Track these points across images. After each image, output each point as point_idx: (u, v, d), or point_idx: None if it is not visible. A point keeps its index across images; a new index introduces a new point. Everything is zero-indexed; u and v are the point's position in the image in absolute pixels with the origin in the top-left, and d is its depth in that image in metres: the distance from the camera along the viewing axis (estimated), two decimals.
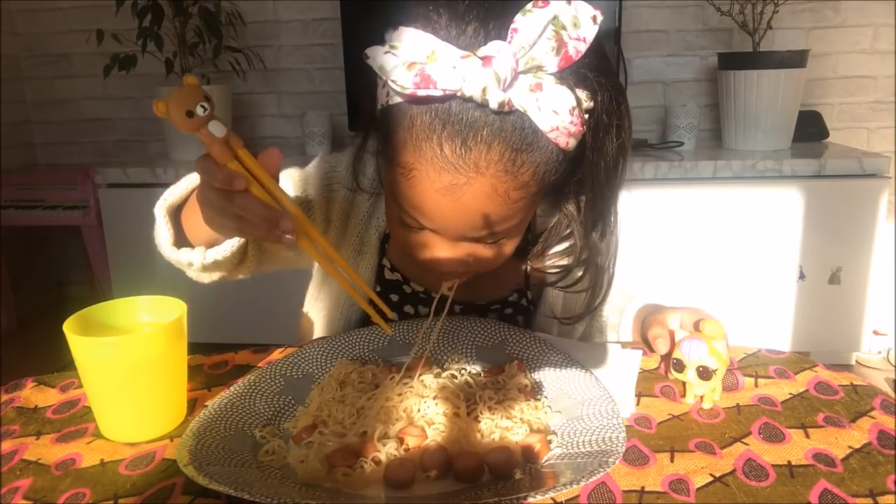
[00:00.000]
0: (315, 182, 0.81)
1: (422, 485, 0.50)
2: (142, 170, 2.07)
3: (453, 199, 0.57)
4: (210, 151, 0.49)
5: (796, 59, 1.96)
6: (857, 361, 2.10)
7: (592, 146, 0.60)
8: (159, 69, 2.15)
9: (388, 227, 0.72)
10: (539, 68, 0.54)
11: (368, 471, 0.51)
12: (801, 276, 1.94)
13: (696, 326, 0.65)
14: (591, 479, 0.45)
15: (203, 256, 0.67)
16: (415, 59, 0.53)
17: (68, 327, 0.57)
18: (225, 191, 0.50)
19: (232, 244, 0.67)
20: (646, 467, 0.51)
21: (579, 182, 0.65)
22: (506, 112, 0.54)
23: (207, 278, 0.73)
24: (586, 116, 0.58)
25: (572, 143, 0.58)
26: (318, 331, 0.89)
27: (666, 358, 0.65)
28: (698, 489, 0.49)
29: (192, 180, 0.69)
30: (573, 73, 0.56)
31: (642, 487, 0.49)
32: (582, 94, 0.56)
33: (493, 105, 0.53)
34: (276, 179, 0.52)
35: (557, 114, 0.55)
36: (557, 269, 0.77)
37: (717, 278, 1.96)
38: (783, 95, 1.96)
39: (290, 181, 0.80)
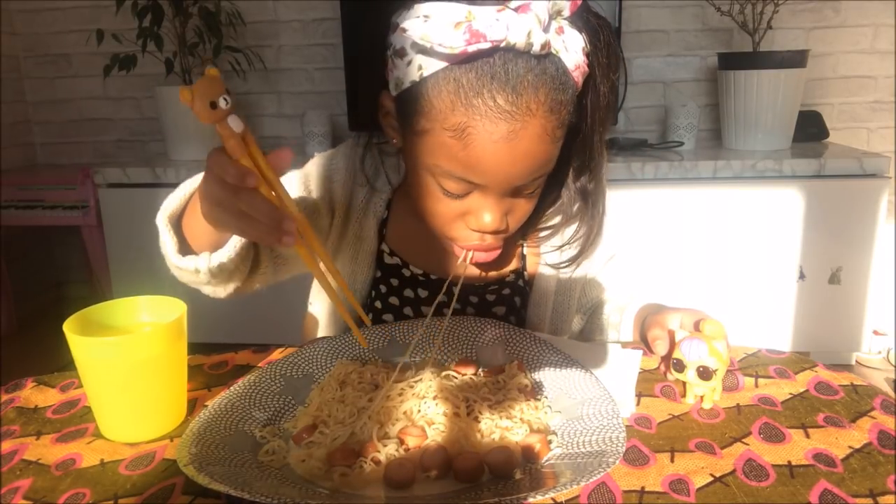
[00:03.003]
0: (315, 178, 0.83)
1: (422, 485, 0.50)
2: (142, 170, 2.07)
3: (512, 145, 0.61)
4: (226, 145, 0.49)
5: (796, 59, 1.95)
6: (857, 361, 2.10)
7: (591, 85, 0.66)
8: (159, 69, 2.16)
9: (421, 207, 0.72)
10: (559, 13, 0.60)
11: (368, 471, 0.51)
12: (801, 276, 1.94)
13: (696, 326, 0.65)
14: (591, 479, 0.45)
15: (209, 260, 0.65)
16: (458, 20, 0.57)
17: (68, 327, 0.57)
18: (233, 187, 0.50)
19: (236, 244, 0.66)
20: (646, 467, 0.51)
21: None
22: (543, 55, 0.59)
23: (223, 292, 0.72)
24: (588, 58, 0.64)
25: (580, 82, 0.64)
26: (322, 330, 0.90)
27: (666, 358, 0.65)
28: (698, 489, 0.49)
29: (189, 187, 0.68)
30: (579, 17, 0.62)
31: (642, 487, 0.49)
32: (584, 36, 0.63)
33: (537, 47, 0.58)
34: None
35: (577, 54, 0.62)
36: (548, 228, 0.80)
37: (718, 278, 1.96)
38: (783, 95, 1.96)
39: (291, 183, 0.81)
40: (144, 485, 0.51)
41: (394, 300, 0.83)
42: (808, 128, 2.15)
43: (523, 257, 0.84)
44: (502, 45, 0.57)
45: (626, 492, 0.48)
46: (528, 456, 0.52)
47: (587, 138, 0.70)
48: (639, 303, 0.83)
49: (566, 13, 0.60)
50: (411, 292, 0.83)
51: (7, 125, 2.46)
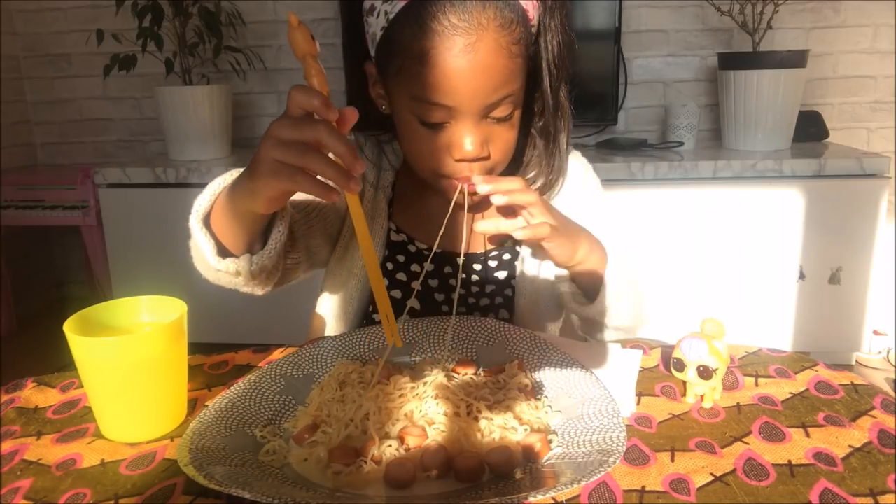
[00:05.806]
0: None
1: (422, 485, 0.50)
2: (142, 170, 2.07)
3: (471, 58, 0.66)
4: (314, 80, 0.54)
5: (796, 59, 1.96)
6: (857, 361, 2.10)
7: (543, 25, 0.73)
8: (159, 69, 2.15)
9: (412, 155, 0.77)
10: None
11: (368, 471, 0.51)
12: (801, 276, 1.94)
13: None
14: (591, 479, 0.45)
15: (250, 262, 0.67)
16: None
17: (68, 327, 0.57)
18: (310, 123, 0.53)
19: (276, 241, 0.67)
20: (646, 467, 0.51)
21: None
22: None
23: (261, 290, 0.74)
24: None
25: (534, 17, 0.70)
26: (329, 331, 0.90)
27: (665, 356, 0.65)
28: (699, 489, 0.49)
29: (217, 186, 0.69)
30: None
31: (643, 487, 0.49)
32: None
33: None
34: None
35: None
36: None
37: (718, 278, 1.96)
38: (783, 95, 1.96)
39: None
40: (145, 485, 0.51)
41: (401, 276, 0.84)
42: (808, 128, 2.15)
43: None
44: None
45: (626, 491, 0.49)
46: (529, 455, 0.52)
47: (545, 78, 0.76)
48: None
49: None
50: (418, 267, 0.84)
51: (7, 125, 2.46)
